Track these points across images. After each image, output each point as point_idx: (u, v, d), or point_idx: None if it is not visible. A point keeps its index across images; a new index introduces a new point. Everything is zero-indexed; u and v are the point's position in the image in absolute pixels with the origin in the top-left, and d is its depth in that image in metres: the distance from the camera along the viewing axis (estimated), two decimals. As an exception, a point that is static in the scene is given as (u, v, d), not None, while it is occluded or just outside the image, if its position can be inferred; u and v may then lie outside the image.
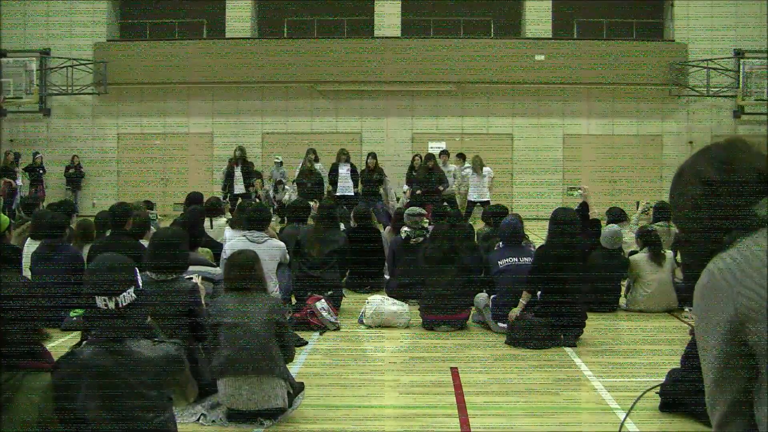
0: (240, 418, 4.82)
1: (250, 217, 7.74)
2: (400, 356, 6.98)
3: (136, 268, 3.25)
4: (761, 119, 20.27)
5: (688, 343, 5.18)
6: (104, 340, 3.03)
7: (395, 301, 8.05)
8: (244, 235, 7.55)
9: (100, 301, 3.04)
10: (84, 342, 3.14)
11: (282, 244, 7.83)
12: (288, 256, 7.88)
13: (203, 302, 5.18)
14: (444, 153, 17.68)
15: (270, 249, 7.28)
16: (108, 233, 7.90)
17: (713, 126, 21.09)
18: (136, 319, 3.13)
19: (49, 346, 3.04)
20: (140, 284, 3.20)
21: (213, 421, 4.83)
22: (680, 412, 5.04)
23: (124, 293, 3.08)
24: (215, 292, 7.06)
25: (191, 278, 5.34)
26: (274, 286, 7.17)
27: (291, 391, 4.88)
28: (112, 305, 3.04)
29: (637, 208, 11.73)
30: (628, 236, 9.60)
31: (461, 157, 17.21)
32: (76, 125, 21.64)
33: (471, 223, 13.16)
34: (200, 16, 21.89)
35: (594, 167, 20.57)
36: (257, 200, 14.85)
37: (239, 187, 16.41)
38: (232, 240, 7.82)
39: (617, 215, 9.75)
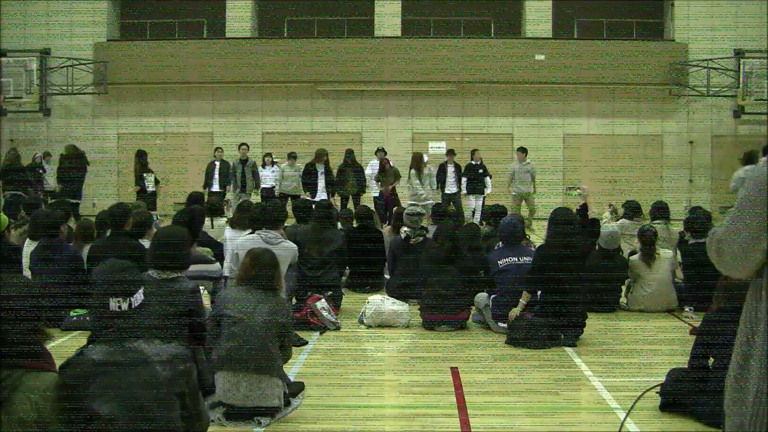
0: (239, 418, 4.82)
1: (262, 217, 7.15)
2: (400, 356, 6.99)
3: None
4: (761, 119, 20.27)
5: (694, 343, 5.16)
6: (117, 340, 3.01)
7: (395, 300, 8.04)
8: (258, 234, 6.99)
9: (113, 303, 3.05)
10: (91, 342, 3.11)
11: (294, 246, 7.26)
12: (297, 258, 7.65)
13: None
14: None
15: (284, 251, 6.85)
16: (108, 233, 7.91)
17: (713, 126, 21.08)
18: (147, 320, 3.14)
19: (49, 346, 3.03)
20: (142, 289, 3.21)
21: (212, 421, 4.83)
22: (680, 412, 5.05)
23: (136, 294, 3.11)
24: (215, 290, 7.05)
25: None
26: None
27: (287, 391, 4.89)
28: (125, 306, 3.06)
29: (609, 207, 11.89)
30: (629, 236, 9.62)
31: (523, 151, 16.84)
32: (76, 125, 21.62)
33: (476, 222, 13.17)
34: (200, 16, 21.90)
35: (594, 167, 20.57)
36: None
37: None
38: (245, 240, 7.07)
39: (632, 210, 9.82)
